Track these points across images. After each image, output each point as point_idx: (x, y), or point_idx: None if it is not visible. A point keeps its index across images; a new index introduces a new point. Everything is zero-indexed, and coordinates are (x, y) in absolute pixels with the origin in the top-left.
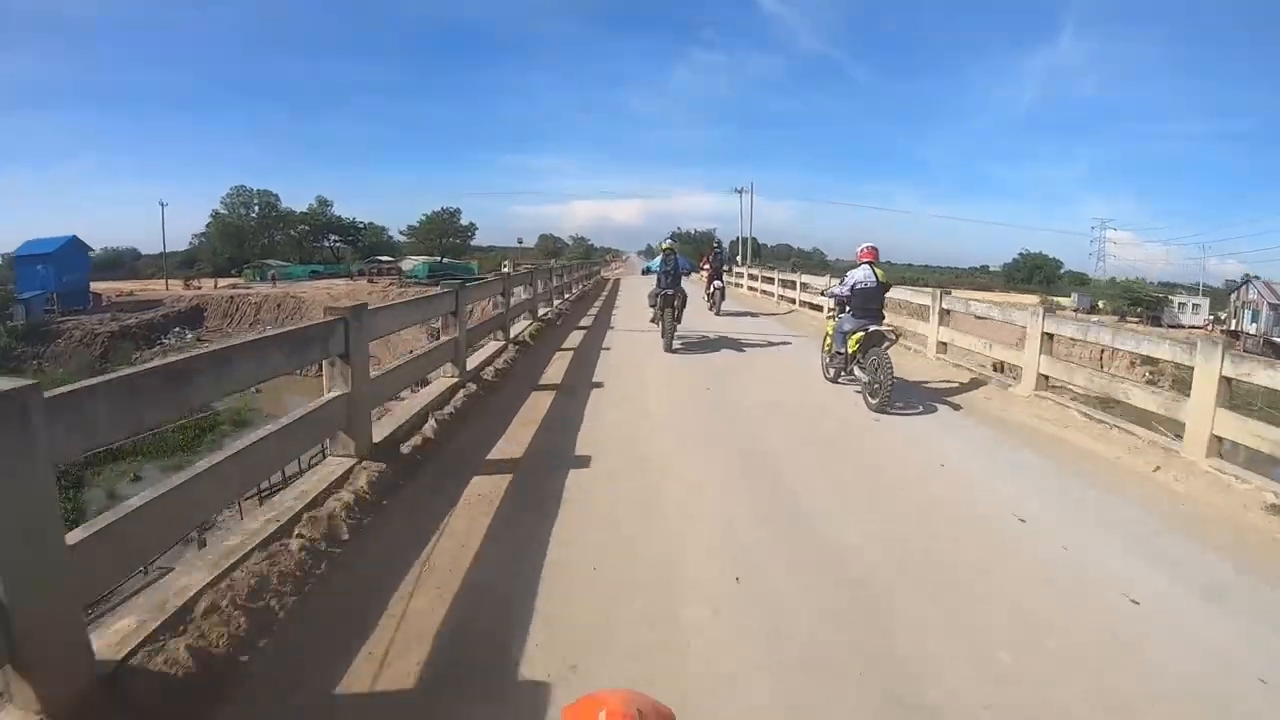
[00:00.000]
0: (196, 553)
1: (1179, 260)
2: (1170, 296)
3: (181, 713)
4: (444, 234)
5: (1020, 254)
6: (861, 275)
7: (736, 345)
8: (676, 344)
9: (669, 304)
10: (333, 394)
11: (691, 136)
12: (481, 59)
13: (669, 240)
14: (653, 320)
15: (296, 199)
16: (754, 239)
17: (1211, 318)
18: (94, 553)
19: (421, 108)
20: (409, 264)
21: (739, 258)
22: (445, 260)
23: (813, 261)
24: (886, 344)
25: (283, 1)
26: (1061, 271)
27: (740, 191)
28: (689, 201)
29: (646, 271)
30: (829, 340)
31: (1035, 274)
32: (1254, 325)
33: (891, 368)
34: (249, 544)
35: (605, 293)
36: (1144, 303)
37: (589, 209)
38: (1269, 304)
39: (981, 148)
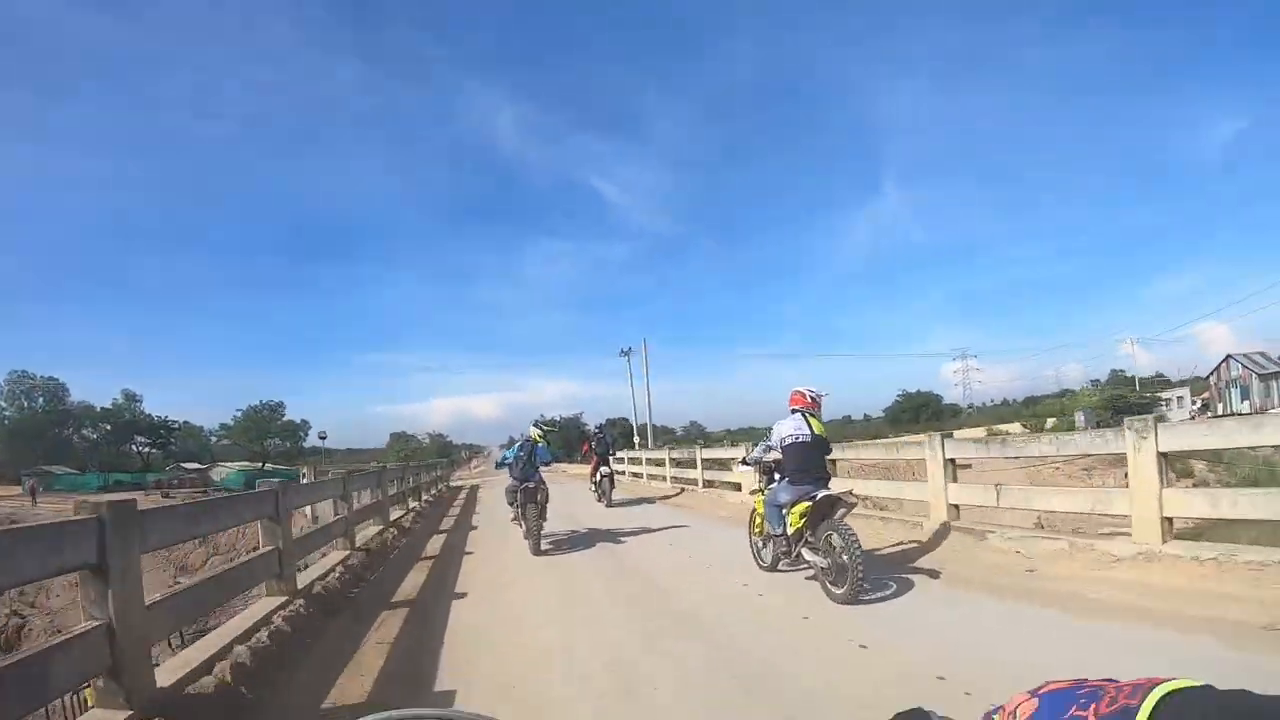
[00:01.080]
0: None
1: (1025, 374)
2: (1159, 396)
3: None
4: (264, 433)
5: (900, 395)
6: (792, 428)
7: (633, 539)
8: (546, 544)
9: (530, 498)
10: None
11: (548, 323)
12: (334, 257)
13: (535, 427)
14: (514, 519)
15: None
16: (636, 420)
17: (1196, 405)
18: (158, 613)
19: (269, 303)
20: (221, 472)
21: (635, 438)
22: (268, 467)
23: (689, 437)
24: (842, 511)
25: (127, 194)
26: (943, 404)
27: (626, 353)
28: (550, 390)
29: (501, 465)
30: (760, 520)
31: (921, 412)
32: (1245, 402)
33: (858, 542)
34: None
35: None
36: (1135, 407)
37: (449, 405)
38: (1257, 375)
39: (831, 301)
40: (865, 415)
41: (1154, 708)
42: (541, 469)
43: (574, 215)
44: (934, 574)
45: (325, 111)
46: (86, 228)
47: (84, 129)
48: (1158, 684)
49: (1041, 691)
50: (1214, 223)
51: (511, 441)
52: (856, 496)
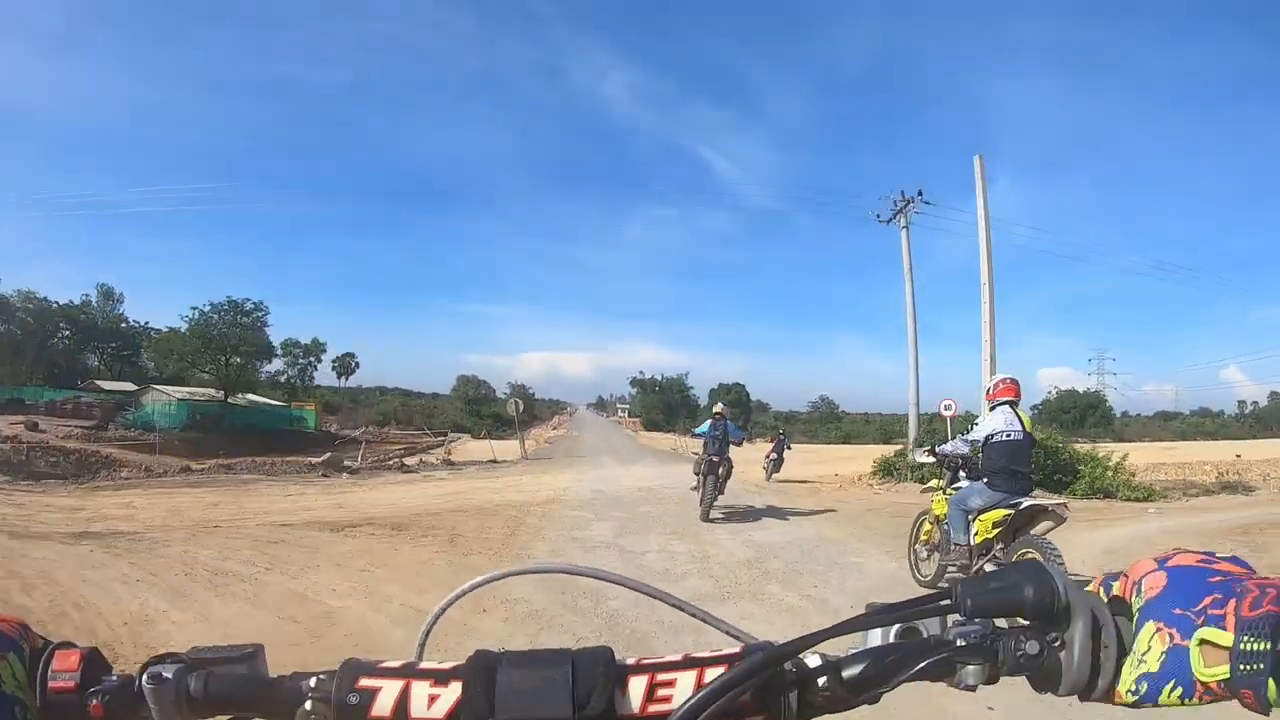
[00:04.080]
0: None
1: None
2: None
3: None
4: (229, 345)
5: (1055, 391)
6: (1003, 422)
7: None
8: (716, 514)
9: (713, 470)
10: None
11: (644, 289)
12: (440, 209)
13: (721, 405)
14: (694, 488)
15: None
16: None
17: None
18: None
19: (374, 247)
20: (159, 398)
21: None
22: (250, 399)
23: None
24: (1048, 525)
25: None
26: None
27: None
28: (642, 354)
29: (696, 435)
30: (928, 525)
31: (1087, 414)
32: None
33: (1062, 563)
34: None
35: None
36: None
37: (540, 360)
38: None
39: (923, 297)
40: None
41: None
42: (733, 444)
43: (679, 183)
44: None
45: (440, 65)
46: (209, 167)
47: (206, 73)
48: None
49: (1169, 564)
50: None
51: (602, 403)
52: (1070, 510)
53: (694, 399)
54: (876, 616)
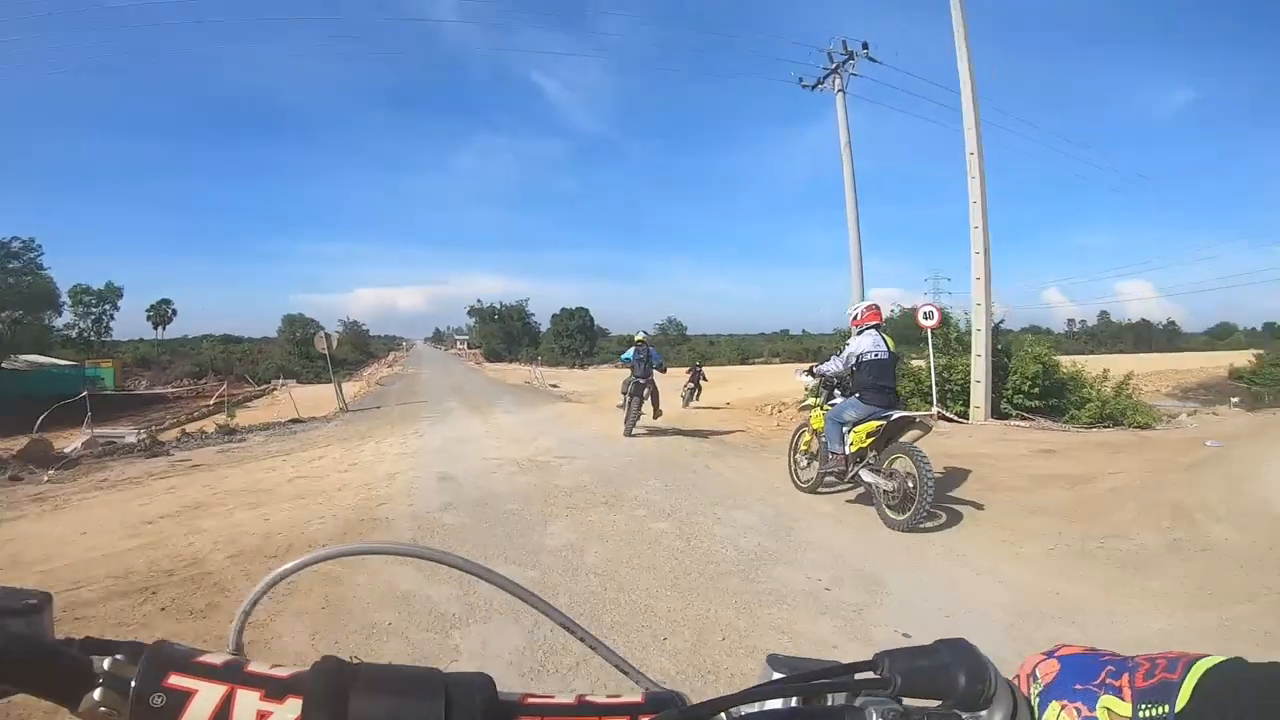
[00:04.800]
0: None
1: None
2: None
3: None
4: None
5: (896, 309)
6: (870, 344)
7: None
8: (638, 430)
9: (638, 392)
10: None
11: (479, 218)
12: (263, 142)
13: (642, 332)
14: (620, 406)
15: None
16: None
17: None
18: None
19: (190, 186)
20: None
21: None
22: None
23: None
24: (916, 434)
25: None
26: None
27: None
28: (479, 284)
29: (624, 361)
30: (808, 437)
31: (934, 332)
32: None
33: (930, 467)
34: None
35: None
36: None
37: (374, 296)
38: None
39: (759, 220)
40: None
41: (1197, 683)
42: (656, 372)
43: (511, 110)
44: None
45: None
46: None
47: None
48: (1196, 659)
49: (1058, 654)
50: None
51: (440, 335)
52: (934, 419)
53: (535, 326)
54: (793, 685)
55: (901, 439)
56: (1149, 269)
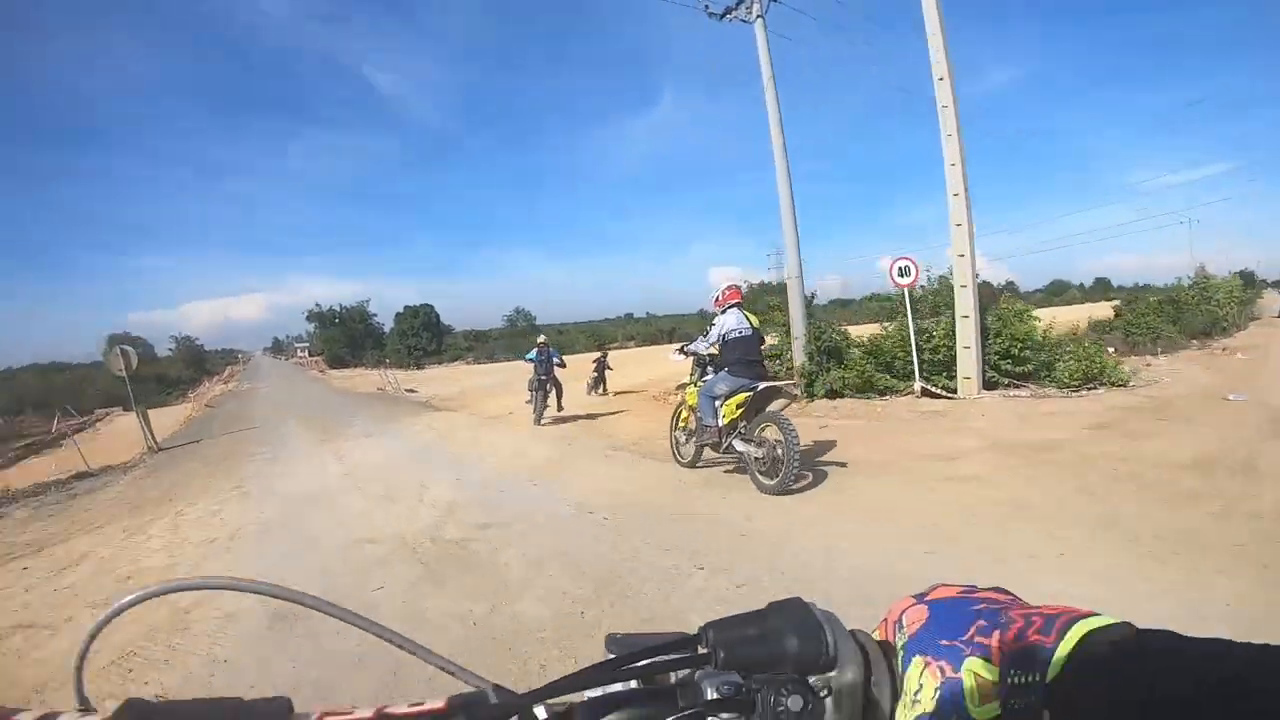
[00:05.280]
0: None
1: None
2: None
3: None
4: None
5: (744, 285)
6: (734, 322)
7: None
8: (545, 420)
9: (542, 387)
10: None
11: (310, 220)
12: (79, 150)
13: (543, 336)
14: (527, 401)
15: None
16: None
17: None
18: None
19: None
20: None
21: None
22: None
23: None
24: (782, 403)
25: None
26: None
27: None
28: (316, 289)
29: (528, 359)
30: (684, 414)
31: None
32: None
33: (797, 434)
34: None
35: None
36: None
37: (208, 309)
38: None
39: (597, 208)
40: (701, 310)
41: (1070, 651)
42: (556, 368)
43: (343, 106)
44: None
45: None
46: None
47: None
48: (1075, 618)
49: (929, 598)
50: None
51: (279, 344)
52: (796, 388)
53: (378, 327)
54: (619, 669)
55: (769, 408)
56: (979, 237)
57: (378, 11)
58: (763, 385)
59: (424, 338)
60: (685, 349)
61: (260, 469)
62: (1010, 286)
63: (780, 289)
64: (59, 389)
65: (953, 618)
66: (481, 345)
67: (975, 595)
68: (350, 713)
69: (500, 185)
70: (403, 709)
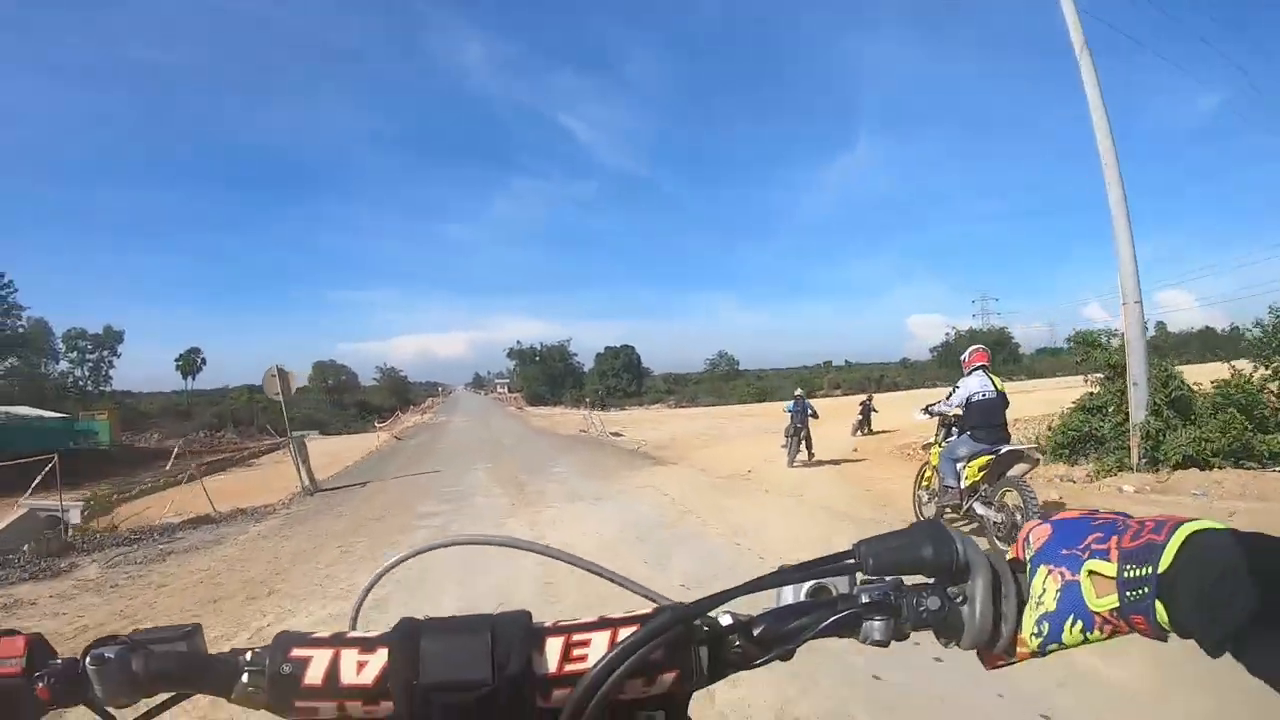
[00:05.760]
0: None
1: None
2: None
3: None
4: None
5: (955, 332)
6: (978, 385)
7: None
8: (797, 463)
9: (797, 434)
10: None
11: (514, 261)
12: (301, 195)
13: (800, 390)
14: (783, 446)
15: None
16: None
17: None
18: None
19: (232, 239)
20: None
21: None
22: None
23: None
24: (1024, 467)
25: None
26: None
27: None
28: (515, 328)
29: (787, 410)
30: (928, 473)
31: (997, 352)
32: None
33: (1036, 499)
34: None
35: None
36: None
37: (413, 343)
38: None
39: (793, 252)
40: (904, 359)
41: (1180, 545)
42: (810, 418)
43: (543, 155)
44: None
45: (292, 45)
46: (41, 163)
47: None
48: (1182, 522)
49: (1054, 518)
50: (1181, 193)
51: (479, 379)
52: (1041, 454)
53: (578, 366)
54: (786, 575)
55: (1010, 473)
56: (1189, 279)
57: (573, 64)
58: (1005, 449)
59: (624, 379)
60: (930, 409)
61: (427, 530)
62: (1234, 332)
63: (985, 337)
64: (263, 407)
65: (1073, 531)
66: (681, 388)
67: (1095, 514)
68: (578, 620)
69: (697, 230)
70: (619, 614)
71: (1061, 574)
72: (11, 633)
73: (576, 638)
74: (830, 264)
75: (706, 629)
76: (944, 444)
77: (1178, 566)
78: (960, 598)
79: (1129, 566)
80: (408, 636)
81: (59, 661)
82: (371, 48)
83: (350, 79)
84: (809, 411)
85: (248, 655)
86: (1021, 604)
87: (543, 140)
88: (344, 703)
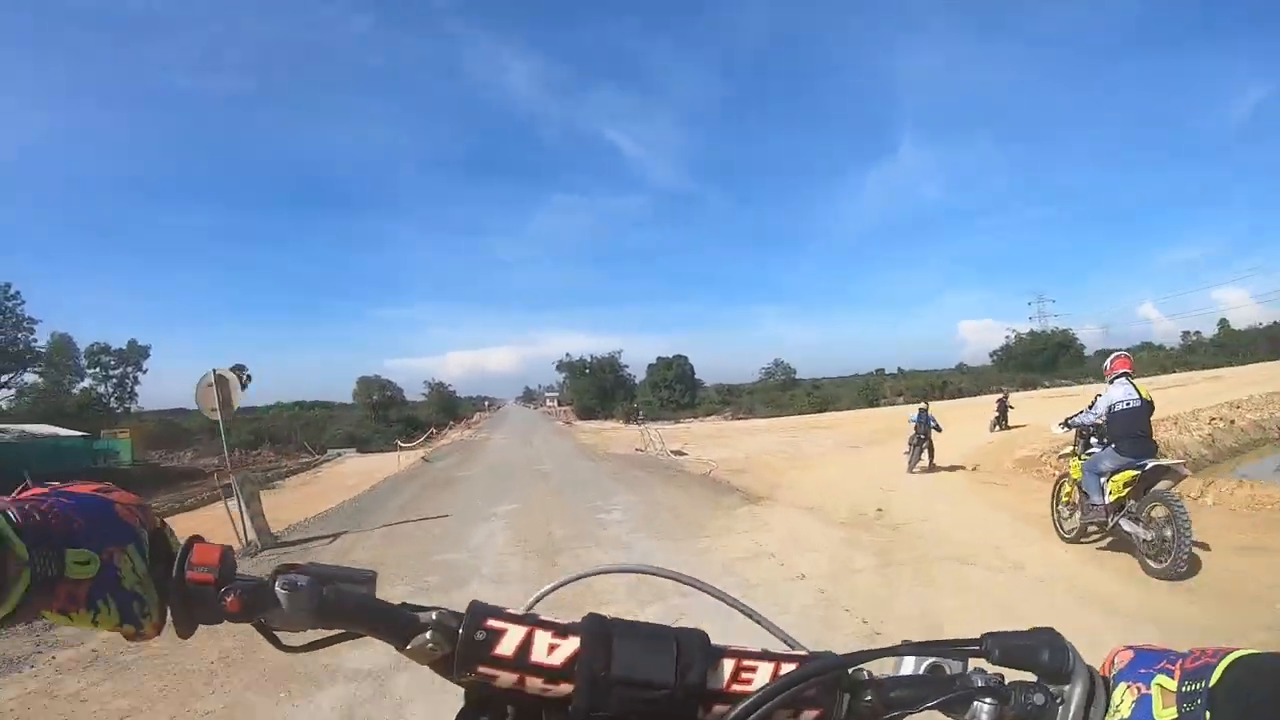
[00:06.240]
0: None
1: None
2: None
3: None
4: None
5: (1014, 334)
6: (1121, 394)
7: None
8: (916, 469)
9: (919, 444)
10: None
11: (561, 276)
12: (349, 213)
13: (924, 402)
14: (905, 452)
15: None
16: None
17: None
18: None
19: (281, 257)
20: None
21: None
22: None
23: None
24: (1169, 483)
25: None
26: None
27: None
28: (563, 342)
29: (911, 421)
30: (1067, 487)
31: (1061, 354)
32: None
33: (1188, 516)
34: None
35: None
36: None
37: (463, 359)
38: None
39: (840, 261)
40: (960, 364)
41: (1227, 666)
42: (933, 431)
43: (586, 170)
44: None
45: (336, 67)
46: (92, 183)
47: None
48: (1232, 650)
49: (1139, 647)
50: (1228, 190)
51: (529, 393)
52: (1190, 469)
53: (629, 378)
54: (914, 647)
55: (1156, 487)
56: (1243, 277)
57: (615, 80)
58: (1151, 464)
59: (677, 389)
60: (1070, 421)
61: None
62: None
63: (1048, 339)
64: (302, 424)
65: (1150, 657)
66: (737, 399)
67: (1169, 649)
68: (746, 648)
69: (743, 242)
70: (781, 651)
71: (1138, 688)
72: (200, 539)
73: (746, 663)
74: (877, 272)
75: (852, 680)
76: (1085, 456)
77: (1225, 683)
78: (1059, 699)
79: (1187, 682)
80: (601, 631)
81: (248, 578)
82: (412, 69)
83: (394, 100)
84: (932, 424)
85: (433, 615)
86: (1104, 713)
87: (588, 157)
88: (526, 677)
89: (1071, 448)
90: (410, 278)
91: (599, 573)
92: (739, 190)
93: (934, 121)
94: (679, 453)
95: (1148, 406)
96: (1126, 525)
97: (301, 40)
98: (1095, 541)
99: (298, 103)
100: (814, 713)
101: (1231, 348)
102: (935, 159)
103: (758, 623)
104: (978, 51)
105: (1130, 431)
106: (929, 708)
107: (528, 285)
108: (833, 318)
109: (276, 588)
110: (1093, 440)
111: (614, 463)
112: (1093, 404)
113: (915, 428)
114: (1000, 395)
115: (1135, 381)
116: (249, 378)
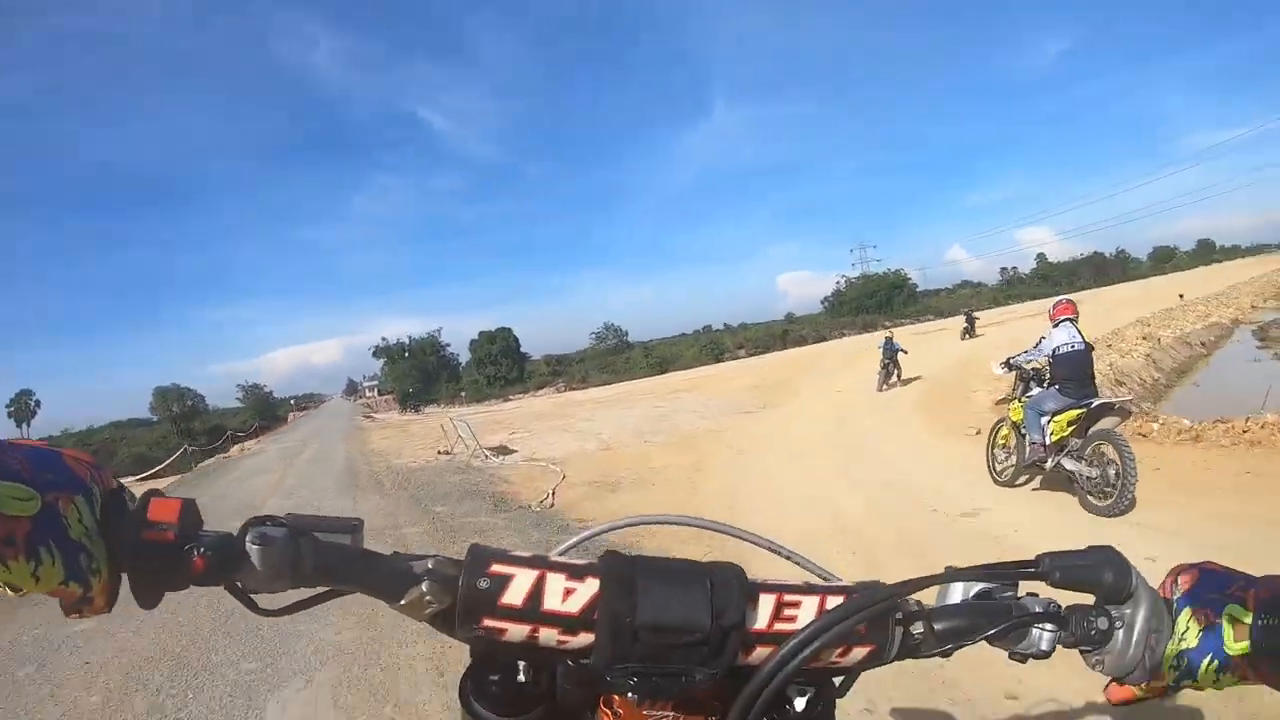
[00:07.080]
0: None
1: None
2: None
3: None
4: None
5: (842, 281)
6: (1065, 336)
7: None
8: (885, 388)
9: (886, 368)
10: None
11: (381, 260)
12: (152, 210)
13: (889, 332)
14: (878, 373)
15: None
16: None
17: None
18: None
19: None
20: None
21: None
22: None
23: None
24: (1116, 420)
25: None
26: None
27: None
28: (392, 328)
29: (880, 348)
30: (1005, 430)
31: (894, 294)
32: None
33: (1132, 454)
34: None
35: None
36: None
37: (287, 357)
38: None
39: (661, 222)
40: (789, 314)
41: None
42: (898, 355)
43: (403, 148)
44: None
45: (125, 48)
46: None
47: None
48: None
49: (1203, 566)
50: (1024, 138)
51: (352, 385)
52: (1136, 405)
53: (453, 358)
54: (961, 573)
55: (1099, 425)
56: (1042, 216)
57: (426, 54)
58: (1096, 402)
59: (503, 365)
60: (1011, 362)
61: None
62: (1120, 256)
63: (883, 281)
64: (96, 453)
65: (1218, 579)
66: (568, 369)
67: (1237, 569)
68: (786, 580)
69: (564, 208)
70: (825, 583)
71: (1206, 614)
72: (159, 494)
73: (788, 598)
74: (698, 230)
75: (902, 612)
76: (1025, 399)
77: None
78: (1119, 621)
79: (1264, 615)
80: (623, 572)
81: (215, 533)
82: (215, 51)
83: (195, 85)
84: (897, 348)
85: (428, 563)
86: (1166, 639)
87: (400, 135)
88: (539, 627)
89: (1012, 391)
90: (232, 276)
91: (626, 525)
92: (557, 158)
93: (746, 81)
94: (503, 450)
95: (1089, 349)
96: (1068, 464)
97: (88, 25)
98: (1028, 485)
99: (86, 93)
100: (865, 649)
101: (1054, 279)
102: (748, 117)
103: (797, 564)
104: (787, 12)
105: (1074, 374)
106: (983, 639)
107: (351, 274)
108: (657, 278)
109: (247, 542)
110: (1031, 383)
111: (385, 494)
112: (1036, 345)
113: (883, 352)
114: (967, 310)
115: (1078, 326)
116: (37, 404)
